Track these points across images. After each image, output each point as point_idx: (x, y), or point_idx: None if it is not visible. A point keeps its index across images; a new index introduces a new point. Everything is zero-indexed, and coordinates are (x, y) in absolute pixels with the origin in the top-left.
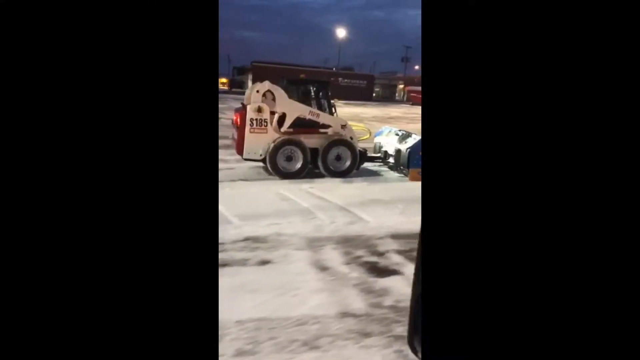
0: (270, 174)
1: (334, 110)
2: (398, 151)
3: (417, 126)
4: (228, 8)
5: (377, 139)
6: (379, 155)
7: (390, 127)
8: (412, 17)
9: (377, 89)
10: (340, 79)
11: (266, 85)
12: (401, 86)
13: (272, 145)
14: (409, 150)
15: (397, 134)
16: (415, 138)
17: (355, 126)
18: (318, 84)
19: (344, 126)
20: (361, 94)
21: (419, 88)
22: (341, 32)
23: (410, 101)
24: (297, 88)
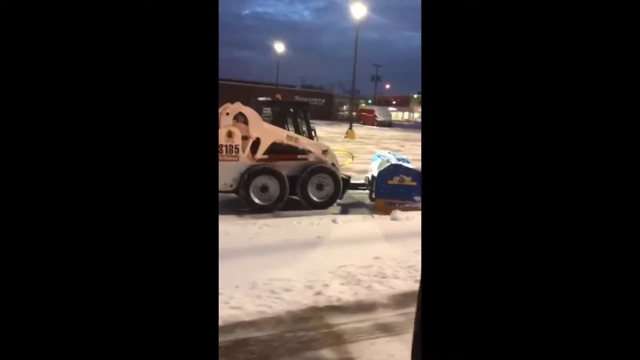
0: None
1: (314, 134)
2: (373, 177)
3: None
4: (223, 28)
5: (371, 165)
6: (363, 182)
7: (385, 151)
8: (405, 38)
9: (343, 108)
10: (296, 97)
11: (237, 106)
12: (363, 105)
13: (244, 174)
14: (376, 175)
15: (380, 158)
16: (391, 162)
17: (337, 151)
18: (295, 105)
19: (325, 151)
20: (319, 113)
21: (370, 108)
22: (279, 47)
23: (361, 120)
24: (272, 110)
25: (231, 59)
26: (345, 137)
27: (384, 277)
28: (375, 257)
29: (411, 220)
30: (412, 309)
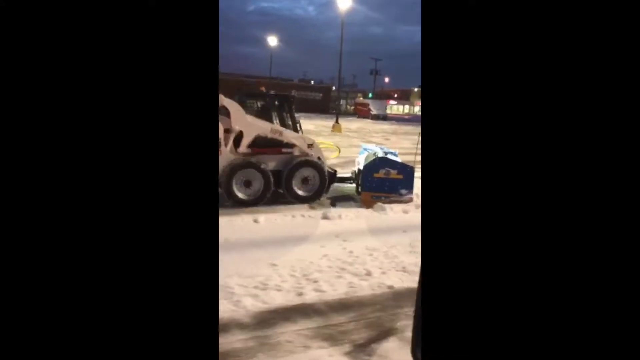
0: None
1: (298, 127)
2: (359, 171)
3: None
4: (229, 24)
5: (358, 158)
6: (350, 176)
7: (371, 145)
8: (408, 32)
9: (340, 102)
10: (293, 91)
11: (219, 99)
12: (361, 99)
13: (226, 168)
14: (362, 169)
15: (367, 151)
16: (377, 155)
17: (324, 144)
18: (280, 98)
19: (310, 145)
20: (316, 107)
21: (366, 101)
22: (272, 41)
23: (357, 114)
24: (256, 102)
25: (237, 54)
26: (332, 130)
27: (263, 289)
28: (271, 263)
29: (344, 219)
30: (272, 331)
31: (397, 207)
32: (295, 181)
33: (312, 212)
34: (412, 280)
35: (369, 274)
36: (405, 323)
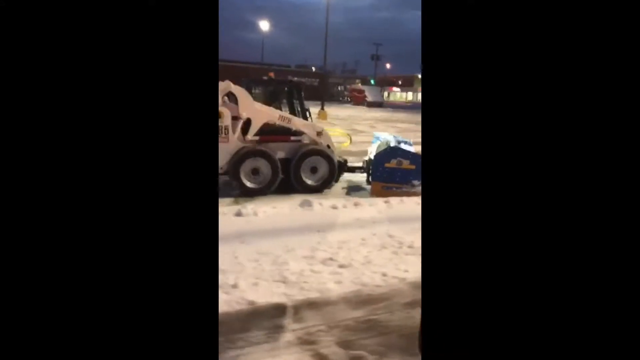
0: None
1: (308, 115)
2: (371, 160)
3: None
4: (231, 9)
5: (370, 148)
6: (360, 165)
7: (384, 133)
8: (416, 17)
9: (338, 88)
10: (288, 77)
11: (227, 86)
12: (359, 85)
13: (234, 156)
14: (373, 158)
15: (379, 140)
16: (389, 144)
17: (334, 132)
18: (289, 85)
19: (319, 133)
20: (312, 93)
21: (361, 88)
22: (264, 25)
23: (352, 100)
24: (266, 89)
25: (239, 41)
26: (317, 117)
27: None
28: None
29: (260, 216)
30: None
31: (326, 202)
32: (303, 170)
33: (227, 209)
34: (282, 294)
35: (236, 285)
36: (235, 354)
